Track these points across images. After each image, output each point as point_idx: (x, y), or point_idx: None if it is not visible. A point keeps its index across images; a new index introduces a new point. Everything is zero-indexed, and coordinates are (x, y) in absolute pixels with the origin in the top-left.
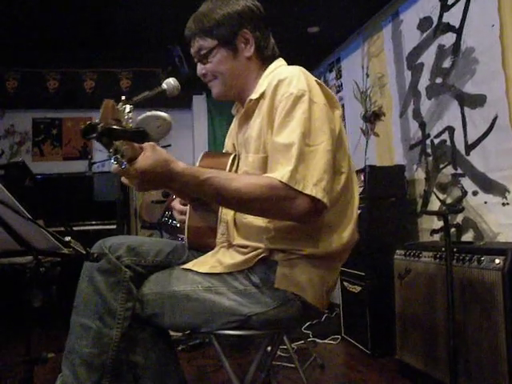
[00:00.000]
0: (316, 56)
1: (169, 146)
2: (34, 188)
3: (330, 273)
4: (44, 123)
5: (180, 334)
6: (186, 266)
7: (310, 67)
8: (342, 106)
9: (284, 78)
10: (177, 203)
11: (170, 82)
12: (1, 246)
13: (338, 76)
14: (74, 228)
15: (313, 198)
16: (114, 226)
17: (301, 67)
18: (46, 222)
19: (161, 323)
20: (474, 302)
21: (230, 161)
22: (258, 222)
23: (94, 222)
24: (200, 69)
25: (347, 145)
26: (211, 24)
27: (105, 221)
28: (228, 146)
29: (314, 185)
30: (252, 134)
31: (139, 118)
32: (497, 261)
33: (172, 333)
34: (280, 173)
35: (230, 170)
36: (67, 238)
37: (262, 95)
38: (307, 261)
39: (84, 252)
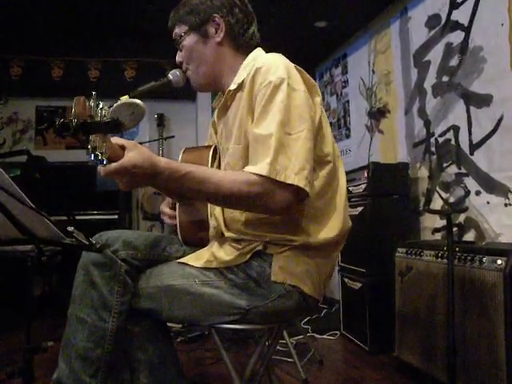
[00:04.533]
0: (322, 51)
1: (172, 137)
2: (42, 180)
3: (326, 262)
4: (47, 111)
5: (179, 325)
6: (182, 260)
7: (317, 62)
8: (347, 101)
9: (261, 66)
10: (165, 207)
11: (175, 73)
12: (3, 234)
13: (344, 71)
14: (77, 217)
15: (294, 189)
16: (116, 217)
17: (280, 54)
18: (48, 211)
19: (158, 317)
20: (475, 301)
21: (210, 153)
22: (244, 215)
23: (95, 212)
24: (177, 57)
25: (330, 132)
26: (185, 11)
27: (107, 211)
28: (210, 137)
29: (295, 174)
30: (233, 125)
31: (111, 108)
32: (498, 261)
33: (171, 324)
34: (259, 167)
35: (211, 162)
36: (70, 228)
37: (241, 86)
38: (302, 252)
39: (87, 242)
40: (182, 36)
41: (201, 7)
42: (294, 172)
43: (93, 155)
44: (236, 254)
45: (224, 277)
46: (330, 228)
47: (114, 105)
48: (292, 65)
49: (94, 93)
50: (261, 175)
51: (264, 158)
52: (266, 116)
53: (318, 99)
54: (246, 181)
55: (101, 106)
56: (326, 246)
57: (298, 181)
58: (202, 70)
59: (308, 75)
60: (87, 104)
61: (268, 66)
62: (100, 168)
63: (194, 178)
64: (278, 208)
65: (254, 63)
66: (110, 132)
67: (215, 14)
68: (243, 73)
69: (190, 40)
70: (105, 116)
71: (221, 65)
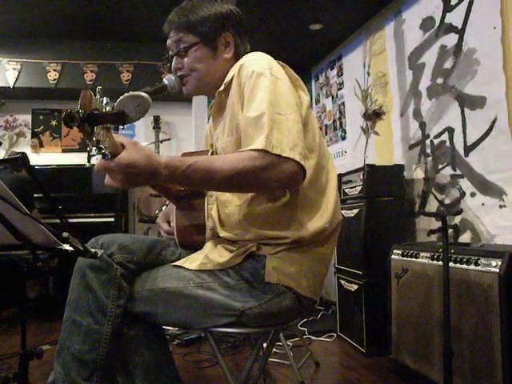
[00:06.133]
0: (318, 53)
1: (169, 139)
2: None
3: (319, 261)
4: (43, 114)
5: (176, 328)
6: (177, 263)
7: (312, 64)
8: (343, 103)
9: (244, 62)
10: (163, 222)
11: (170, 78)
12: None
13: (340, 73)
14: (73, 220)
15: (293, 162)
16: (112, 219)
17: (262, 52)
18: (41, 213)
19: (154, 320)
20: (471, 303)
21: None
22: (240, 210)
23: (92, 215)
24: (176, 62)
25: (316, 125)
26: (196, 20)
27: (103, 213)
28: (206, 146)
29: (290, 149)
30: (226, 119)
31: (117, 101)
32: (494, 263)
33: (168, 327)
34: (256, 143)
35: None
36: (65, 234)
37: (229, 85)
38: (295, 250)
39: (82, 248)
40: (191, 46)
41: (214, 21)
42: (289, 147)
43: (97, 148)
44: (230, 255)
45: (218, 278)
46: (321, 217)
47: (120, 97)
48: (274, 60)
49: (99, 87)
50: (259, 149)
51: (259, 136)
52: (255, 99)
53: (303, 93)
54: (249, 156)
55: (105, 101)
56: (317, 237)
57: (294, 155)
58: (204, 80)
59: (292, 70)
60: (93, 97)
61: (250, 60)
62: (97, 162)
63: (198, 167)
64: (285, 177)
65: (239, 62)
66: (115, 123)
67: (228, 33)
68: (230, 73)
69: (200, 52)
70: (109, 110)
71: (222, 76)
